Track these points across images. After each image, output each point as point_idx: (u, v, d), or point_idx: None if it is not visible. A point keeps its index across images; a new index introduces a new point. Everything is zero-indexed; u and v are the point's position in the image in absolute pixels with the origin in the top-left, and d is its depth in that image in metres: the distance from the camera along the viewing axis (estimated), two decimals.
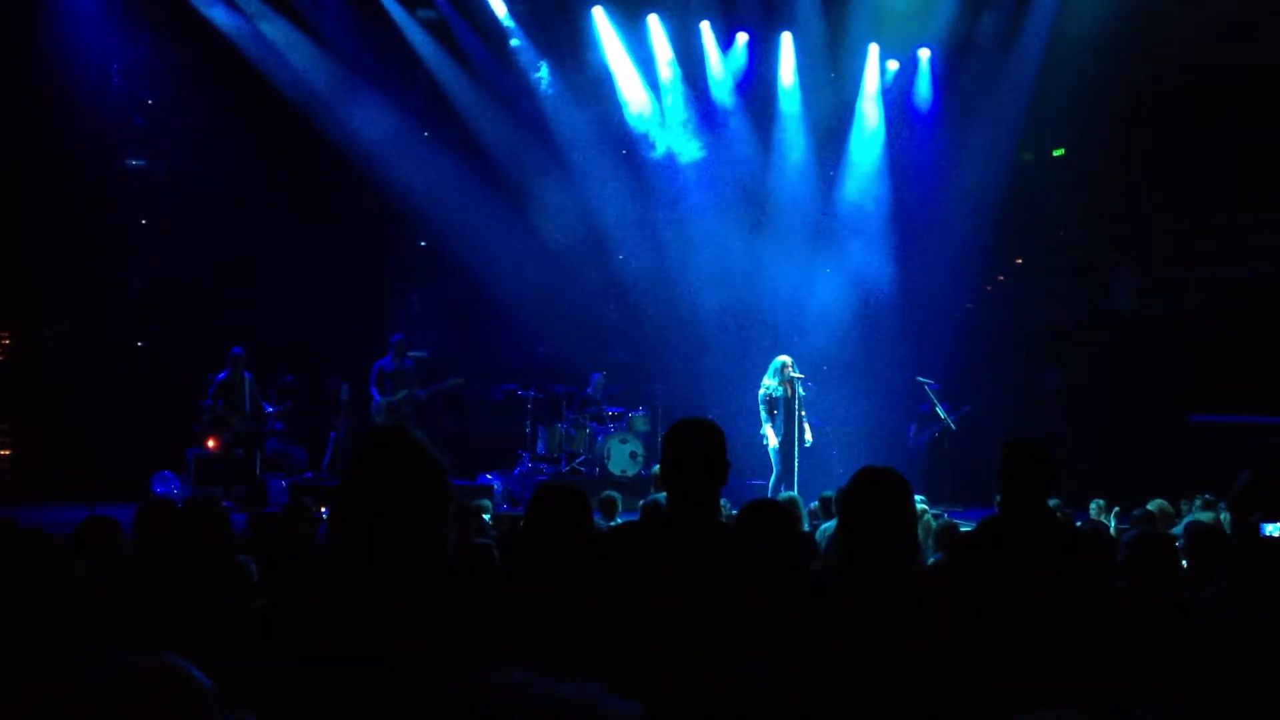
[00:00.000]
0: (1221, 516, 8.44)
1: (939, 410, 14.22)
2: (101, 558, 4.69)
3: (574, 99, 15.33)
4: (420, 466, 2.60)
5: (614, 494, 9.18)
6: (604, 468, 13.91)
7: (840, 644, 3.21)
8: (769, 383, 12.24)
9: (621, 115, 15.52)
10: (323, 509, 8.43)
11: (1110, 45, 13.93)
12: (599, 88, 15.34)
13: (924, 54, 15.79)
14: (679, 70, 15.52)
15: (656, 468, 10.37)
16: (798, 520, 6.21)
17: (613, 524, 8.17)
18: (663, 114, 15.61)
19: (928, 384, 14.25)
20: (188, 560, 3.84)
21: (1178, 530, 7.11)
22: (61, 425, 12.80)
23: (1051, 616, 3.84)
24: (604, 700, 1.27)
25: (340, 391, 13.88)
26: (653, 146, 15.66)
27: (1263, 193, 15.01)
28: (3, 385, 13.33)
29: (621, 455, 13.95)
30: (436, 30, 15.02)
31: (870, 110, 15.88)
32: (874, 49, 15.63)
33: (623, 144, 15.74)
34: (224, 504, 8.25)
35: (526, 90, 15.21)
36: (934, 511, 8.80)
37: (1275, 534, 4.05)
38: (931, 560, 6.44)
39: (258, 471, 13.13)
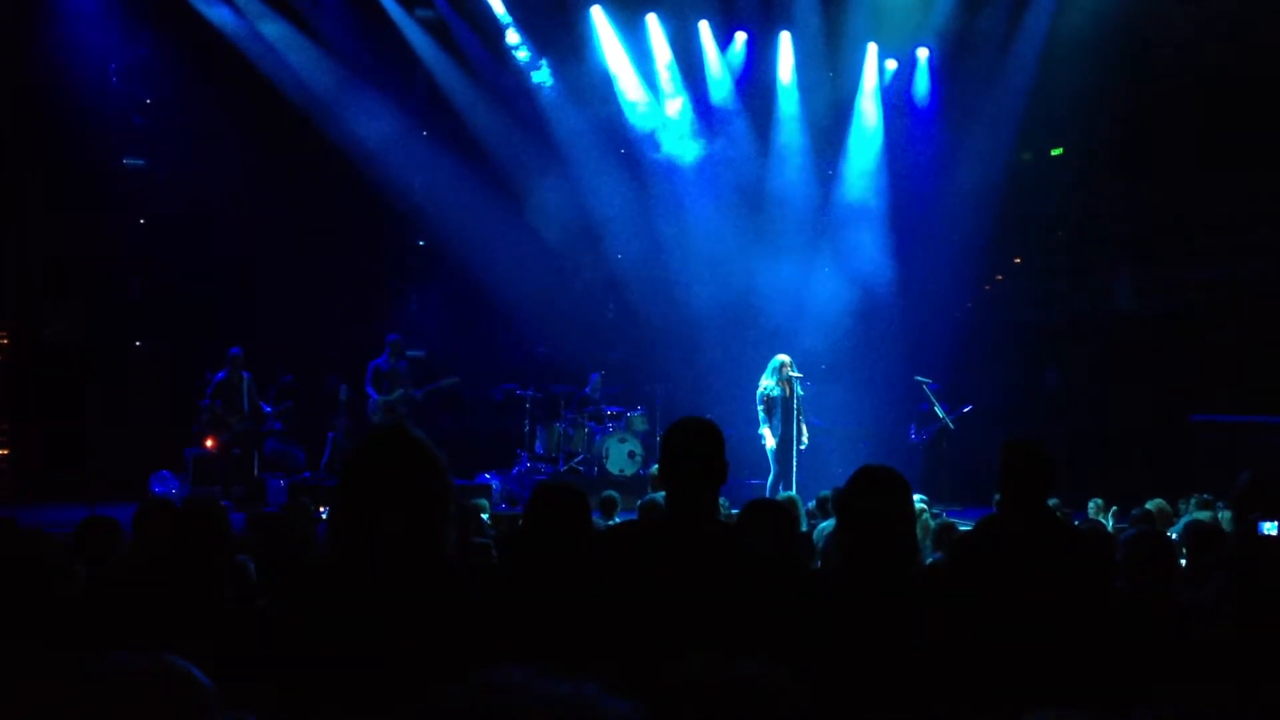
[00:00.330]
0: (1220, 516, 8.45)
1: (937, 410, 14.22)
2: (101, 558, 4.69)
3: (572, 98, 15.34)
4: (420, 465, 2.60)
5: (613, 494, 9.20)
6: (602, 467, 13.91)
7: (840, 644, 3.21)
8: (767, 382, 12.23)
9: (620, 115, 15.53)
10: (321, 509, 8.43)
11: (1109, 44, 13.94)
12: (597, 87, 15.35)
13: (922, 53, 15.81)
14: (677, 69, 15.52)
15: (655, 467, 10.38)
16: (796, 520, 6.21)
17: (611, 523, 8.17)
18: (661, 113, 15.61)
19: (926, 383, 14.25)
20: (187, 560, 3.83)
21: (1176, 530, 7.12)
22: (60, 425, 12.80)
23: (1051, 616, 3.85)
24: (602, 700, 1.27)
25: (339, 391, 13.88)
26: (651, 146, 15.67)
27: (1262, 192, 15.00)
28: (1, 385, 13.32)
29: (620, 455, 13.95)
30: (435, 30, 15.02)
31: (869, 109, 15.89)
32: (872, 48, 15.64)
33: (621, 143, 15.75)
34: (223, 504, 8.24)
35: (525, 90, 15.22)
36: (933, 510, 8.81)
37: (1273, 532, 4.06)
38: (930, 559, 6.45)
39: (256, 471, 13.13)
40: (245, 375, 12.93)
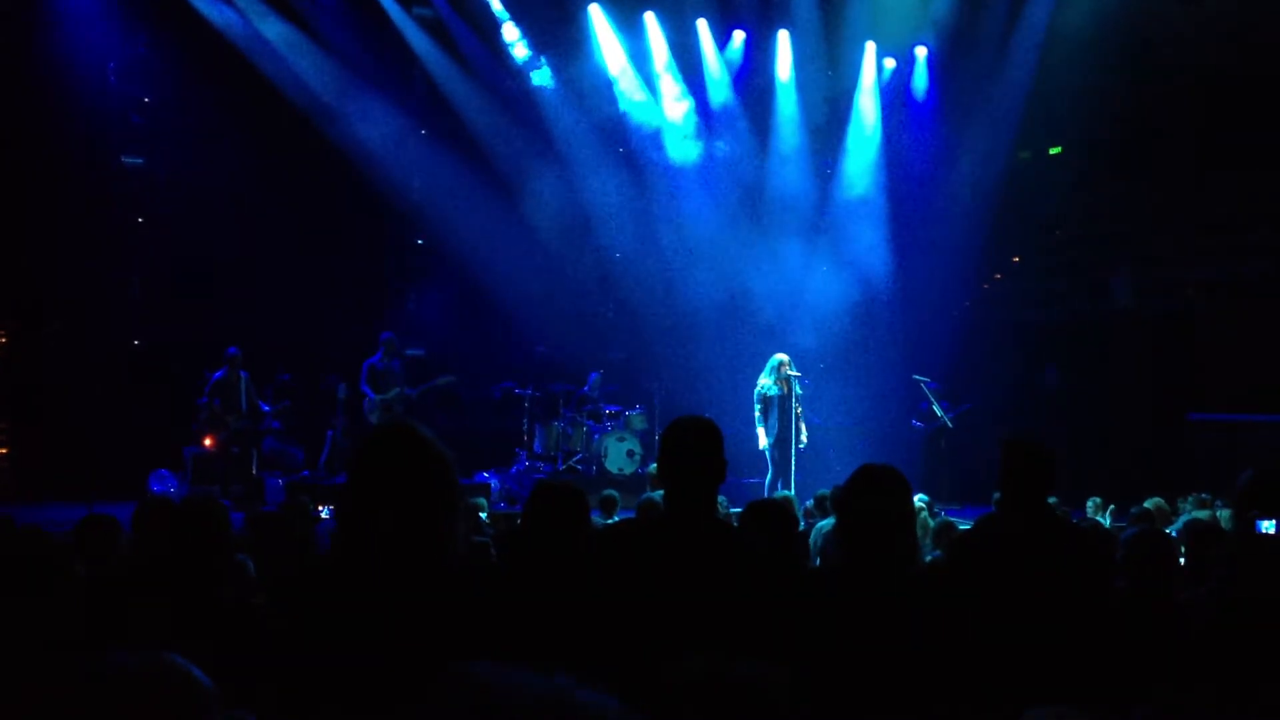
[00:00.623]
0: (1218, 514, 8.46)
1: (936, 409, 14.24)
2: (102, 556, 4.68)
3: (571, 97, 15.34)
4: (427, 463, 2.60)
5: (613, 493, 9.19)
6: (601, 466, 13.91)
7: (839, 643, 3.21)
8: (764, 381, 12.23)
9: (618, 113, 15.52)
10: (320, 507, 8.43)
11: (1108, 43, 13.94)
12: (595, 86, 15.35)
13: (921, 51, 15.81)
14: (676, 68, 15.52)
15: (653, 466, 10.37)
16: (793, 520, 6.20)
17: (609, 522, 8.17)
18: (659, 112, 15.61)
19: (924, 382, 14.26)
20: (187, 559, 3.83)
21: (1175, 528, 7.12)
22: (59, 424, 12.78)
23: (1050, 615, 3.85)
24: (576, 691, 1.27)
25: (338, 390, 13.88)
26: (650, 145, 15.67)
27: (1262, 192, 15.01)
28: (0, 384, 13.31)
29: (619, 453, 13.95)
30: (434, 29, 15.02)
31: (867, 107, 15.89)
32: (871, 46, 15.65)
33: (619, 142, 15.75)
34: (222, 502, 8.24)
35: (524, 88, 15.22)
36: (934, 510, 8.80)
37: (1270, 530, 4.06)
38: (929, 558, 6.45)
39: (254, 470, 13.13)
40: (243, 374, 12.93)
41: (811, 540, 7.37)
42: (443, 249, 15.62)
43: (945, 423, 14.25)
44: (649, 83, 15.54)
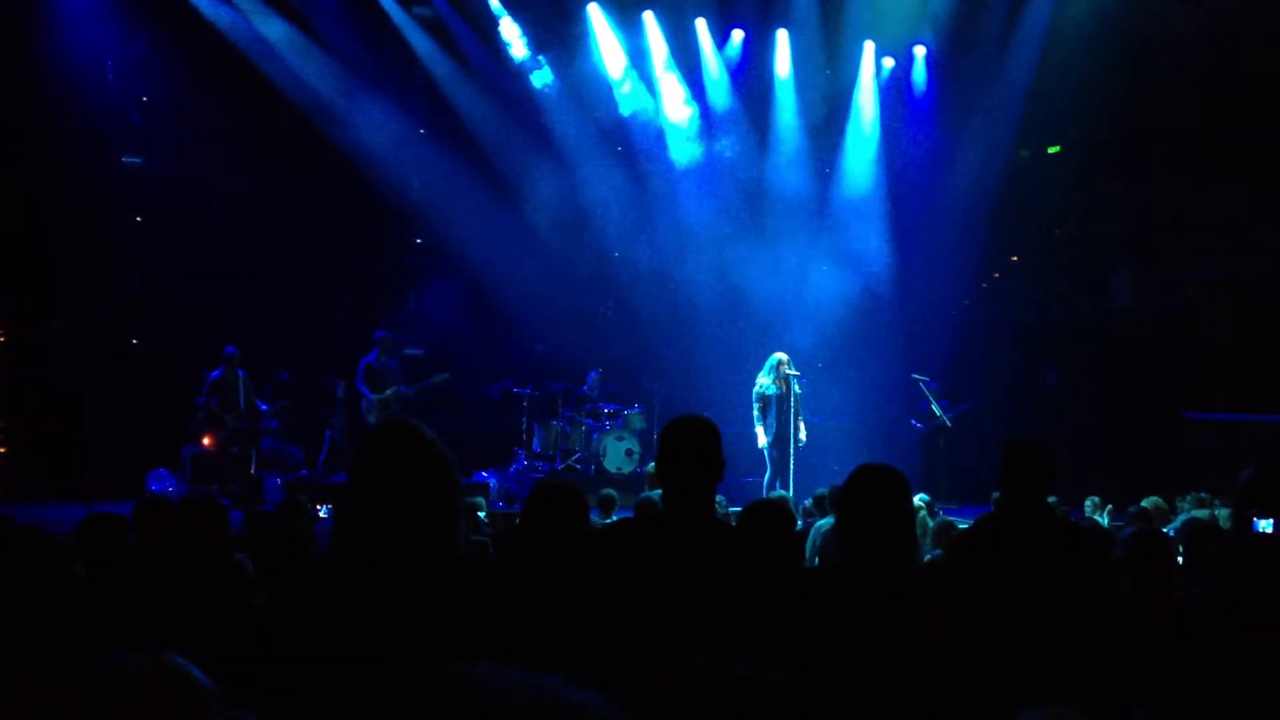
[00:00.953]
0: (1217, 513, 8.46)
1: (935, 408, 14.24)
2: (106, 556, 4.67)
3: (570, 97, 15.35)
4: (426, 461, 2.60)
5: (611, 492, 9.19)
6: (600, 465, 13.91)
7: (838, 642, 3.21)
8: (763, 380, 12.23)
9: (617, 113, 15.53)
10: (319, 506, 8.43)
11: (1107, 43, 13.94)
12: (595, 85, 15.34)
13: (920, 50, 15.82)
14: (675, 67, 15.52)
15: (652, 465, 10.38)
16: (790, 519, 6.21)
17: (607, 521, 8.17)
18: (659, 111, 15.61)
19: (923, 381, 14.26)
20: (187, 558, 3.83)
21: (1173, 527, 7.13)
22: (58, 423, 12.79)
23: (1049, 614, 3.85)
24: (568, 690, 1.27)
25: (336, 390, 13.88)
26: (649, 144, 15.68)
27: (1260, 191, 15.01)
28: None
29: (617, 452, 13.95)
30: (433, 28, 15.02)
31: (866, 107, 15.89)
32: (870, 45, 15.65)
33: (619, 141, 15.75)
34: (222, 502, 8.25)
35: (523, 87, 15.23)
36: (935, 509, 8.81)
37: (1267, 530, 4.06)
38: (929, 557, 6.46)
39: (253, 469, 13.12)
40: (241, 373, 12.92)
41: (810, 539, 7.38)
42: (442, 248, 15.63)
43: (944, 422, 14.26)
44: (648, 82, 15.55)
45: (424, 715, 1.24)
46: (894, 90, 16.09)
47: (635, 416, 14.48)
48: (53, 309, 13.92)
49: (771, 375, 12.18)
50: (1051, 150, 16.46)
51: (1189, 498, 10.06)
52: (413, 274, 16.61)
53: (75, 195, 13.48)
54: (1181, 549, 5.04)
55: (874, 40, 15.63)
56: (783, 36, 15.57)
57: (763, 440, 12.13)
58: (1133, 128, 14.93)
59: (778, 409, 12.11)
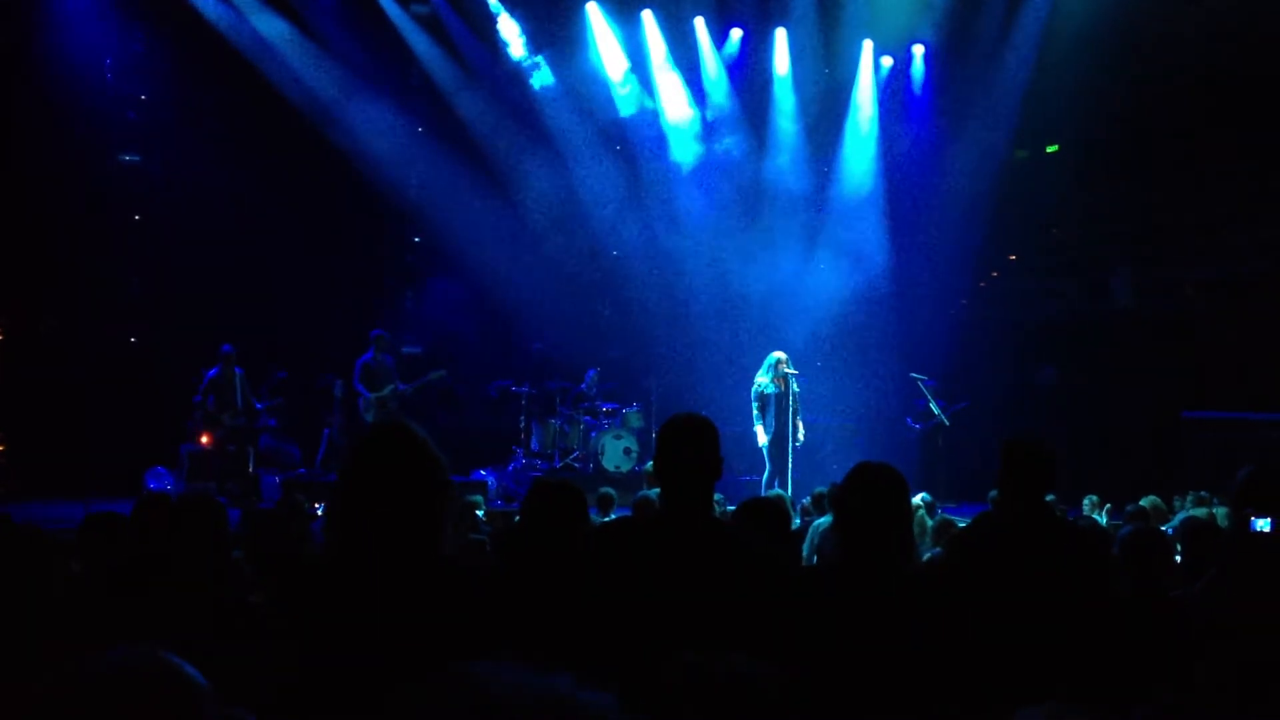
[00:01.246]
0: (1215, 512, 8.47)
1: (933, 406, 14.25)
2: (108, 554, 4.65)
3: (568, 95, 15.35)
4: (419, 462, 2.60)
5: (610, 490, 9.18)
6: (598, 463, 13.91)
7: (836, 641, 3.21)
8: (762, 379, 12.22)
9: (616, 111, 15.52)
10: (317, 505, 8.43)
11: (1106, 42, 13.93)
12: (593, 84, 15.34)
13: (918, 50, 15.81)
14: (673, 65, 15.52)
15: (650, 464, 10.38)
16: (787, 519, 6.21)
17: (605, 520, 8.16)
18: (657, 109, 15.61)
19: (922, 380, 14.27)
20: (186, 556, 3.83)
21: (1171, 526, 7.13)
22: (56, 421, 12.78)
23: (1048, 613, 3.85)
24: (577, 691, 1.27)
25: (334, 388, 13.88)
26: (647, 143, 15.68)
27: (1258, 190, 15.02)
28: None
29: (615, 451, 13.95)
30: (431, 27, 15.02)
31: (864, 106, 15.89)
32: (868, 44, 15.65)
33: (617, 140, 15.75)
34: (220, 500, 8.25)
35: (521, 86, 15.23)
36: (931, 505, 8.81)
37: (1265, 529, 4.07)
38: (928, 556, 6.46)
39: (251, 468, 13.12)
40: (238, 371, 12.91)
41: (809, 538, 7.38)
42: (440, 247, 15.63)
43: (942, 421, 14.26)
44: (646, 81, 15.54)
45: (430, 715, 1.24)
46: (892, 89, 16.08)
47: (633, 415, 14.49)
48: (51, 307, 13.93)
49: (770, 374, 12.18)
50: (1050, 149, 16.46)
51: (1189, 496, 10.06)
52: (411, 273, 16.61)
53: (74, 194, 13.47)
54: (1180, 548, 5.04)
55: (872, 39, 15.63)
56: (781, 35, 15.57)
57: (762, 439, 12.13)
58: (1131, 127, 14.93)
59: (776, 408, 12.11)
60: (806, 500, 9.17)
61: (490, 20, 15.00)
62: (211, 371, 12.83)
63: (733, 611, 3.14)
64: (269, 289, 14.32)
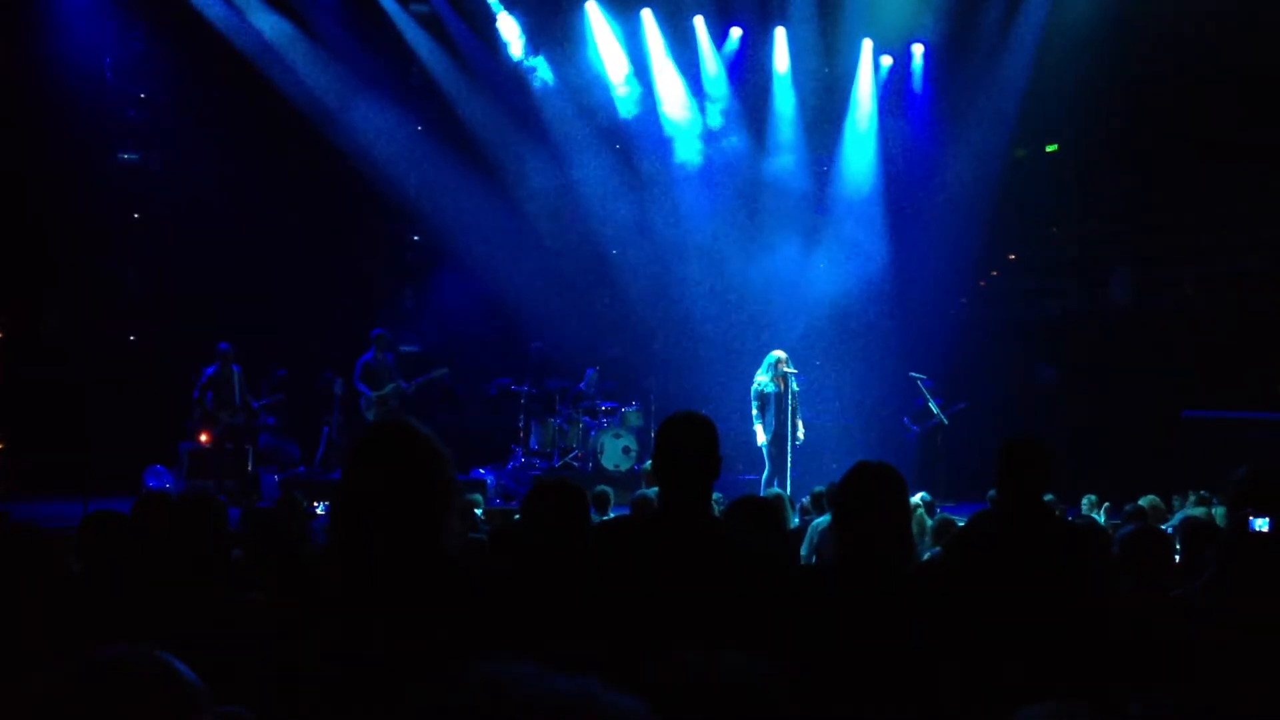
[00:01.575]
0: (1214, 512, 8.47)
1: (932, 405, 14.24)
2: (107, 553, 4.65)
3: (568, 94, 15.34)
4: (422, 459, 2.59)
5: (606, 489, 9.16)
6: (597, 462, 13.90)
7: (835, 640, 3.21)
8: (761, 378, 12.21)
9: (615, 110, 15.52)
10: (315, 503, 8.43)
11: (1105, 40, 13.93)
12: (592, 83, 15.34)
13: (918, 49, 15.80)
14: (673, 65, 15.52)
15: (649, 463, 10.39)
16: (782, 517, 6.19)
17: (603, 519, 8.16)
18: (657, 109, 15.60)
19: (921, 379, 14.27)
20: (185, 554, 3.82)
21: (1170, 526, 7.13)
22: (55, 419, 12.78)
23: (1046, 612, 3.85)
24: (606, 695, 1.26)
25: (333, 386, 13.86)
26: (647, 141, 15.66)
27: (1257, 189, 15.01)
28: None
29: (615, 450, 13.95)
30: (430, 25, 15.02)
31: (864, 105, 15.88)
32: (868, 44, 15.64)
33: (616, 139, 15.74)
34: (219, 498, 8.24)
35: (520, 85, 15.22)
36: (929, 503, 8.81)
37: (1263, 529, 4.06)
38: (927, 555, 6.46)
39: (250, 466, 13.11)
40: (236, 369, 12.89)
41: (808, 537, 7.38)
42: (439, 245, 15.63)
43: (941, 420, 14.26)
44: (646, 80, 15.53)
45: (438, 714, 1.23)
46: (892, 88, 16.07)
47: (633, 414, 14.48)
48: (50, 305, 13.93)
49: (770, 373, 12.17)
50: (1050, 149, 16.45)
51: (1190, 496, 10.06)
52: (410, 271, 16.61)
53: (73, 192, 13.48)
54: (1179, 547, 5.04)
55: (872, 38, 15.62)
56: (781, 34, 15.57)
57: (761, 438, 12.12)
58: (1131, 126, 14.93)
59: (776, 407, 12.10)
60: (806, 499, 9.16)
61: (490, 19, 14.99)
62: (210, 369, 12.82)
63: (731, 610, 3.14)
64: (268, 287, 14.32)
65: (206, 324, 13.33)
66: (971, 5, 15.15)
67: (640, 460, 13.54)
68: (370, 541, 2.55)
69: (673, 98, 15.60)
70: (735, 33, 15.76)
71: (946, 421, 14.27)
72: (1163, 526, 6.70)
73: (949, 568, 4.56)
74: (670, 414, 3.49)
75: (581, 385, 14.65)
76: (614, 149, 15.76)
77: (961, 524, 6.29)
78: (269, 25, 14.11)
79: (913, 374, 14.32)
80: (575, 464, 14.15)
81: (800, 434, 12.22)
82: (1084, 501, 10.22)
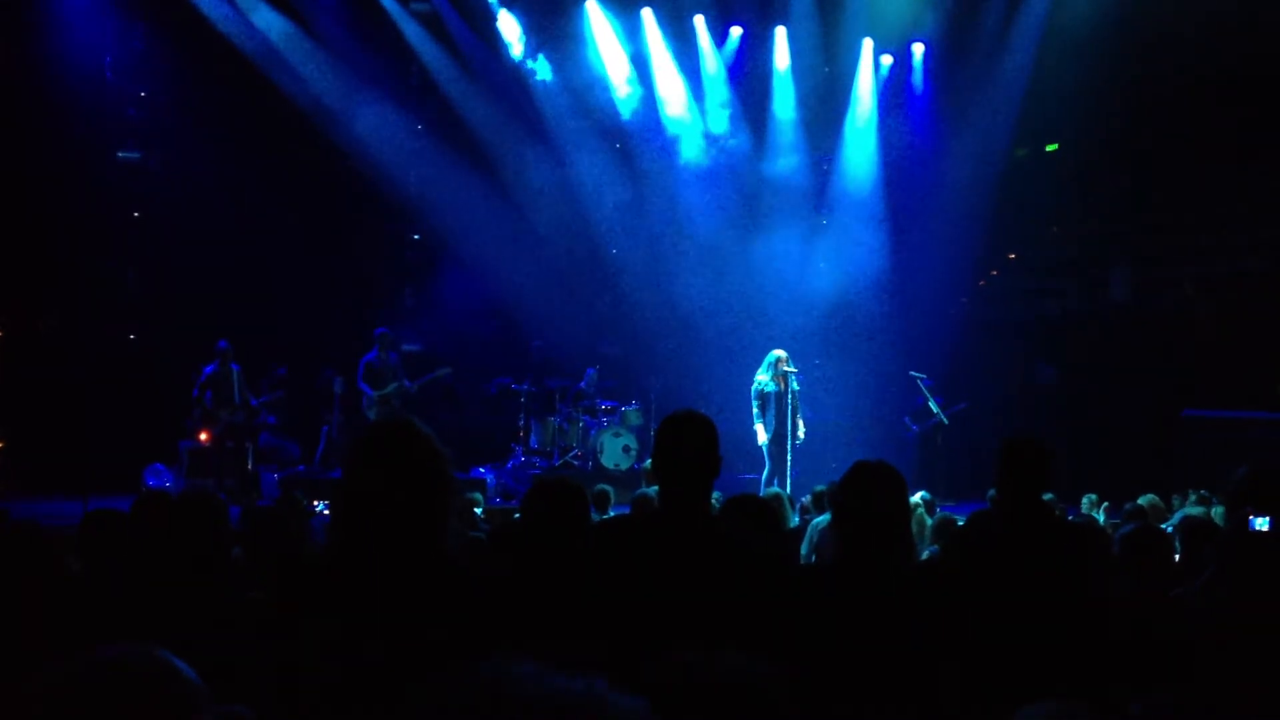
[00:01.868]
0: (1213, 512, 8.46)
1: (932, 405, 14.25)
2: (107, 552, 4.65)
3: (568, 93, 15.35)
4: (422, 458, 2.59)
5: (606, 487, 9.16)
6: (597, 461, 13.91)
7: (835, 640, 3.21)
8: (761, 377, 12.22)
9: (615, 109, 15.52)
10: (316, 502, 8.43)
11: (1106, 39, 13.93)
12: (593, 82, 15.34)
13: (918, 48, 15.80)
14: (673, 64, 15.52)
15: (649, 462, 10.39)
16: (780, 516, 6.18)
17: (603, 518, 8.16)
18: (657, 108, 15.60)
19: (921, 378, 14.27)
20: (185, 553, 3.83)
21: (1170, 525, 7.13)
22: (54, 418, 12.78)
23: (1045, 611, 3.85)
24: (611, 696, 1.26)
25: (333, 385, 13.86)
26: (647, 140, 15.66)
27: (1257, 188, 15.01)
28: None
29: (615, 449, 13.95)
30: (430, 24, 15.02)
31: (864, 104, 15.88)
32: (868, 43, 15.64)
33: (616, 138, 15.74)
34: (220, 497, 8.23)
35: (520, 84, 15.22)
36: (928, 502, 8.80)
37: (1263, 528, 4.06)
38: (926, 554, 6.46)
39: (250, 464, 13.11)
40: (235, 367, 12.88)
41: (808, 536, 7.38)
42: (440, 244, 15.63)
43: (941, 419, 14.26)
44: (646, 79, 15.54)
45: (439, 713, 1.23)
46: (892, 87, 16.07)
47: (633, 413, 14.49)
48: (50, 304, 13.92)
49: (770, 372, 12.17)
50: (1050, 148, 16.44)
51: (1190, 495, 10.05)
52: (410, 270, 16.60)
53: (73, 190, 13.48)
54: (1179, 546, 5.04)
55: (873, 37, 15.61)
56: (781, 33, 15.57)
57: (761, 437, 12.13)
58: (1131, 125, 14.93)
59: (776, 406, 12.11)
60: (807, 499, 9.16)
61: (490, 18, 15.00)
62: (209, 368, 12.82)
63: (731, 610, 3.14)
64: (268, 286, 14.32)
65: (206, 323, 13.32)
66: (972, 5, 15.15)
67: (640, 459, 13.54)
68: (370, 541, 2.56)
69: (673, 97, 15.61)
70: (735, 32, 15.76)
71: (947, 421, 14.27)
72: (1162, 526, 6.70)
73: (948, 567, 4.56)
74: (670, 413, 3.49)
75: (582, 384, 14.65)
76: (614, 148, 15.76)
77: (961, 523, 6.29)
78: (269, 24, 14.12)
79: (913, 373, 14.32)
80: (575, 463, 14.15)
81: (801, 433, 12.22)
82: (1084, 501, 10.22)
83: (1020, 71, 15.08)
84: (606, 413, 14.40)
